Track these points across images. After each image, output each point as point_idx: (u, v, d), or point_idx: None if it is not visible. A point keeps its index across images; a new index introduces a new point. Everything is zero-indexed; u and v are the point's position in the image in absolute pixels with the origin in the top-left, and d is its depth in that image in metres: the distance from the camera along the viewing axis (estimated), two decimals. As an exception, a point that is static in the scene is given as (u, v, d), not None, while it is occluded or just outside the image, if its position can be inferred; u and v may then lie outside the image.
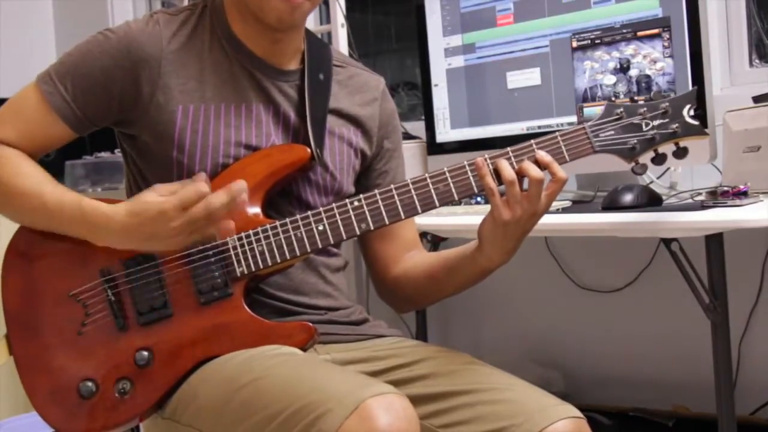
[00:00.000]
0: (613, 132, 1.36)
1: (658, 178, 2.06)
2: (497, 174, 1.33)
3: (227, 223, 1.33)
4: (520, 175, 1.31)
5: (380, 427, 1.13)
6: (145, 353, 1.37)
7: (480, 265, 1.40)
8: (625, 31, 1.91)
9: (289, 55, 1.48)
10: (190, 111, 1.41)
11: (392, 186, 1.36)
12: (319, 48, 1.53)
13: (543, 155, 1.32)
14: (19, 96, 1.45)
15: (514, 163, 1.33)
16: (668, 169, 2.05)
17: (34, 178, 1.40)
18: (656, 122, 1.36)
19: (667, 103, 1.36)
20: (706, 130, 1.40)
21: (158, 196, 1.32)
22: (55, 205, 1.37)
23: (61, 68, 1.42)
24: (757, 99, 1.88)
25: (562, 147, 1.34)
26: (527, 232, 1.35)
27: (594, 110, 1.94)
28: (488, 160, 1.33)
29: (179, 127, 1.41)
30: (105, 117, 1.44)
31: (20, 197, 1.39)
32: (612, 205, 1.76)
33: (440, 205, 1.36)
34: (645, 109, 1.36)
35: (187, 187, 1.31)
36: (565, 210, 1.85)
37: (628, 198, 1.74)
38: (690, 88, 1.82)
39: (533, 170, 1.30)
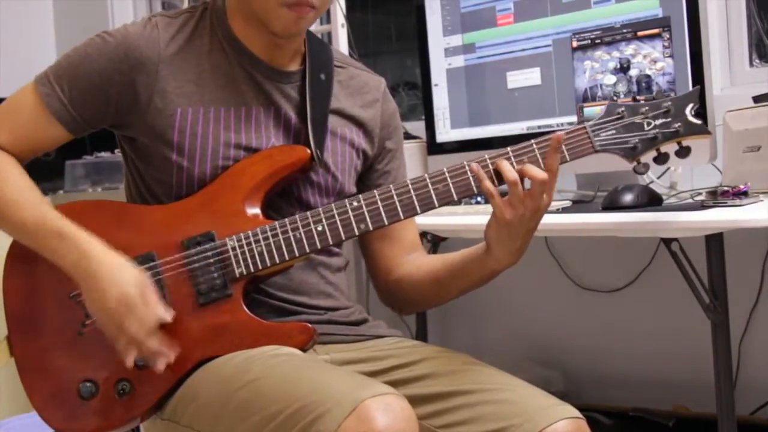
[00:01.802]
0: (614, 131, 1.36)
1: (658, 178, 2.06)
2: (498, 175, 1.32)
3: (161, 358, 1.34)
4: (522, 176, 1.31)
5: (378, 428, 1.13)
6: (145, 354, 1.37)
7: (488, 268, 1.40)
8: (625, 31, 1.91)
9: (290, 57, 1.48)
10: (188, 114, 1.41)
11: (391, 186, 1.36)
12: (320, 48, 1.52)
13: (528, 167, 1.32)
14: (16, 97, 1.44)
15: (515, 163, 1.33)
16: (668, 168, 2.05)
17: (18, 187, 1.40)
18: (658, 121, 1.36)
19: (670, 102, 1.36)
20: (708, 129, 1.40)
21: (138, 275, 1.32)
22: (34, 220, 1.37)
23: (58, 70, 1.42)
24: (757, 99, 1.88)
25: (563, 146, 1.33)
26: (532, 230, 1.35)
27: (594, 110, 1.94)
28: (488, 160, 1.33)
29: (178, 130, 1.40)
30: (102, 119, 1.44)
31: (0, 204, 1.39)
32: (612, 205, 1.75)
33: (440, 206, 1.36)
34: (647, 108, 1.36)
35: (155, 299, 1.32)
36: (565, 210, 1.85)
37: (628, 198, 1.74)
38: (690, 87, 1.82)
39: (535, 171, 1.30)
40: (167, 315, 1.34)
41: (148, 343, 1.32)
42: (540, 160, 1.33)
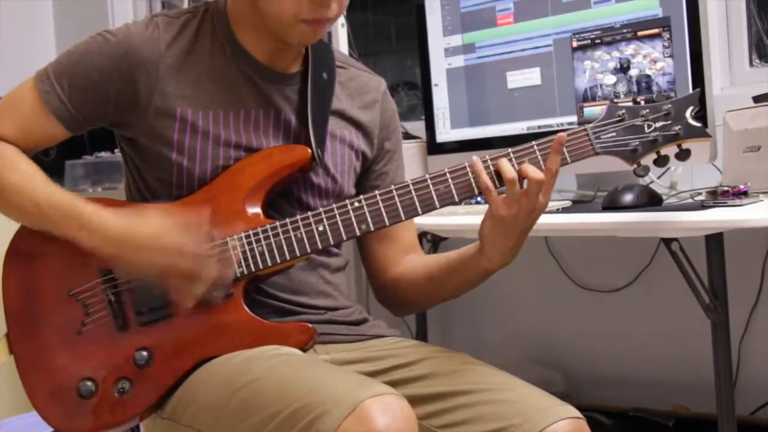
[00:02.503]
0: (614, 134, 1.36)
1: (658, 178, 2.06)
2: (498, 174, 1.33)
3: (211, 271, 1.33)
4: (521, 176, 1.31)
5: (378, 428, 1.13)
6: (145, 353, 1.37)
7: (481, 267, 1.40)
8: (625, 31, 1.91)
9: (291, 59, 1.48)
10: (188, 115, 1.41)
11: (393, 187, 1.36)
12: (321, 49, 1.52)
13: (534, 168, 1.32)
14: (16, 92, 1.44)
15: (515, 164, 1.33)
16: (668, 168, 2.05)
17: (28, 174, 1.40)
18: (658, 124, 1.36)
19: (670, 105, 1.36)
20: (708, 131, 1.40)
21: (159, 216, 1.32)
22: (47, 202, 1.37)
23: (58, 67, 1.42)
24: (757, 99, 1.88)
25: (564, 148, 1.34)
26: (526, 231, 1.35)
27: (594, 110, 1.94)
28: (489, 160, 1.33)
29: (178, 131, 1.40)
30: (101, 118, 1.44)
31: (13, 193, 1.39)
32: (612, 204, 1.75)
33: (441, 207, 1.36)
34: (647, 110, 1.36)
35: (189, 214, 1.32)
36: (565, 210, 1.85)
37: (628, 198, 1.74)
38: (690, 87, 1.82)
39: (534, 172, 1.30)
40: (212, 236, 1.33)
41: (211, 272, 1.32)
42: (541, 162, 1.33)
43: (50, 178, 1.43)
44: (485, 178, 1.32)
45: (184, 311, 1.35)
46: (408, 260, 1.55)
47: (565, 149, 1.34)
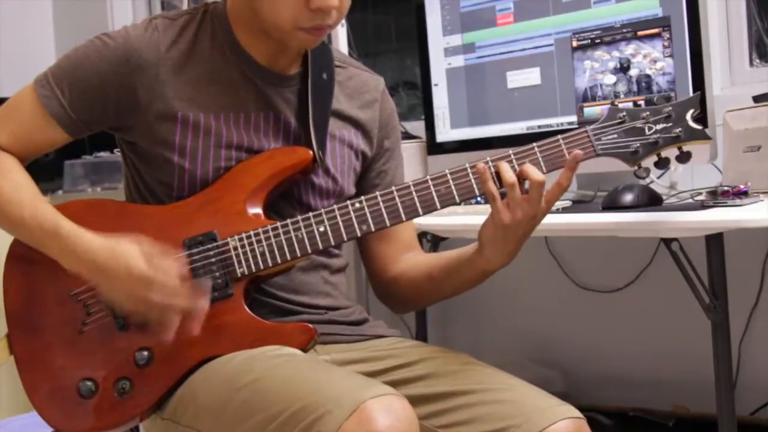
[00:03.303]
0: (615, 135, 1.36)
1: (658, 178, 2.06)
2: (498, 176, 1.33)
3: (170, 325, 1.33)
4: (521, 177, 1.31)
5: (379, 429, 1.13)
6: (145, 353, 1.37)
7: (479, 267, 1.40)
8: (625, 30, 1.91)
9: (291, 61, 1.48)
10: (189, 118, 1.41)
11: (393, 188, 1.36)
12: (320, 49, 1.52)
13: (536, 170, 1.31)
14: (15, 98, 1.44)
15: (516, 166, 1.33)
16: (668, 169, 2.05)
17: (19, 188, 1.40)
18: (659, 126, 1.36)
19: (671, 108, 1.36)
20: (708, 133, 1.40)
21: (140, 251, 1.31)
22: (32, 218, 1.37)
23: (58, 72, 1.42)
24: (757, 99, 1.88)
25: (564, 150, 1.34)
26: (527, 236, 1.35)
27: (594, 110, 1.95)
28: (490, 163, 1.33)
29: (179, 134, 1.40)
30: (101, 122, 1.43)
31: (2, 204, 1.39)
32: (612, 204, 1.76)
33: (441, 207, 1.36)
34: (648, 113, 1.36)
35: (169, 259, 1.32)
36: (565, 210, 1.85)
37: (628, 198, 1.74)
38: (690, 87, 1.83)
39: (534, 173, 1.30)
40: (182, 267, 1.33)
41: (181, 303, 1.32)
42: (542, 164, 1.33)
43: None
44: (491, 186, 1.32)
45: (165, 343, 1.34)
46: (408, 258, 1.55)
47: (565, 150, 1.34)
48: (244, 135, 1.43)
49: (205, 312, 1.34)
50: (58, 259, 1.37)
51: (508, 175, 1.31)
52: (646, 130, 1.36)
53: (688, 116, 1.36)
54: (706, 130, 1.39)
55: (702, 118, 1.39)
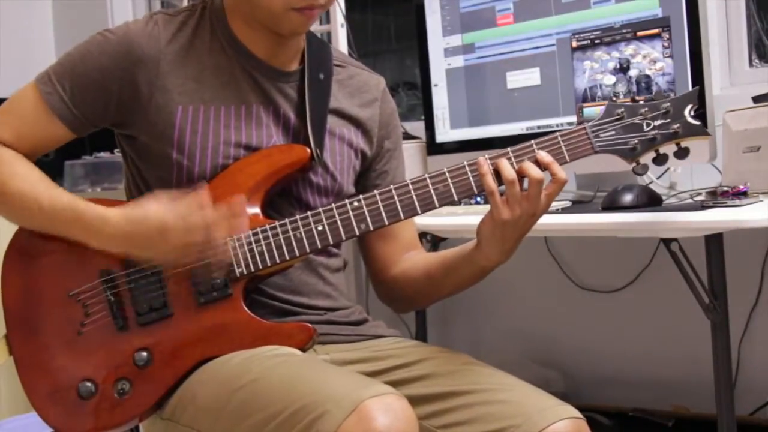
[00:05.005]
0: (613, 132, 1.36)
1: (658, 178, 2.06)
2: (497, 174, 1.33)
3: (225, 252, 1.34)
4: (521, 175, 1.31)
5: (379, 428, 1.13)
6: (145, 353, 1.37)
7: (478, 265, 1.40)
8: (624, 31, 1.91)
9: (290, 56, 1.48)
10: (189, 112, 1.41)
11: (392, 186, 1.36)
12: (319, 47, 1.52)
13: (543, 155, 1.32)
14: (17, 96, 1.45)
15: (515, 163, 1.33)
16: (668, 169, 2.05)
17: (29, 179, 1.40)
18: (657, 122, 1.36)
19: (669, 104, 1.36)
20: (707, 130, 1.40)
21: (159, 206, 1.32)
22: (50, 207, 1.37)
23: (59, 68, 1.42)
24: (757, 99, 1.88)
25: (563, 147, 1.34)
26: (526, 233, 1.35)
27: (594, 110, 1.94)
28: (489, 160, 1.33)
29: (178, 128, 1.40)
30: (103, 117, 1.44)
31: (16, 199, 1.39)
32: (612, 205, 1.75)
33: (440, 206, 1.36)
34: (646, 109, 1.36)
35: (188, 198, 1.31)
36: (565, 210, 1.85)
37: (628, 198, 1.74)
38: (690, 88, 1.82)
39: (533, 170, 1.30)
40: (200, 197, 1.32)
41: (222, 228, 1.32)
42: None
43: (50, 179, 1.43)
44: (489, 180, 1.32)
45: (226, 265, 1.35)
46: (408, 258, 1.55)
47: (564, 148, 1.34)
48: (244, 128, 1.43)
49: (246, 225, 1.35)
50: (84, 241, 1.37)
51: (508, 171, 1.31)
52: (645, 127, 1.36)
53: (687, 112, 1.36)
54: (705, 127, 1.39)
55: (702, 117, 1.39)
